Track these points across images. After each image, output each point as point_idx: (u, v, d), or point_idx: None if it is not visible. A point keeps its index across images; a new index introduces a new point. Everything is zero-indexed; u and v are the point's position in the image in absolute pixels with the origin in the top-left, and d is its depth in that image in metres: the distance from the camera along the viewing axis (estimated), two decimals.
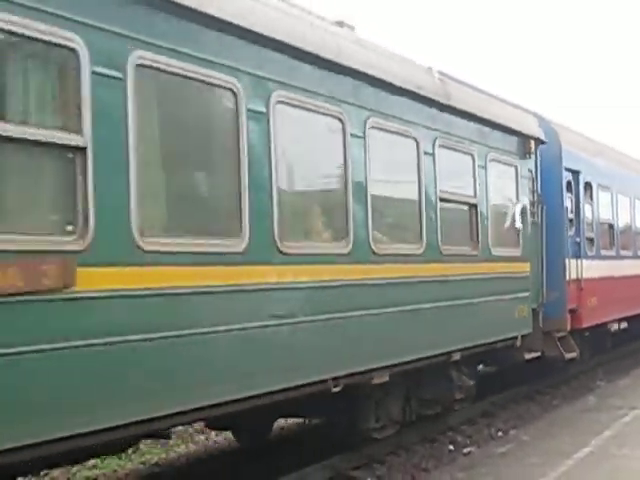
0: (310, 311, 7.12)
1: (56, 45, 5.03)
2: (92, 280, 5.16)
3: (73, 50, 5.11)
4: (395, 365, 8.57)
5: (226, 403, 6.28)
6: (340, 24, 9.02)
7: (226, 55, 6.37)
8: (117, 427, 5.39)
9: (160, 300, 5.62)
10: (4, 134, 4.71)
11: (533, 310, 12.10)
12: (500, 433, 11.35)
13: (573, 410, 12.61)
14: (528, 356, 12.22)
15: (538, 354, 12.49)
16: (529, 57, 62.10)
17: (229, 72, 6.37)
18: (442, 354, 9.50)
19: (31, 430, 4.82)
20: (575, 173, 13.98)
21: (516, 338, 11.43)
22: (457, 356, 9.83)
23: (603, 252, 15.23)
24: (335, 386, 7.62)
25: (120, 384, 5.40)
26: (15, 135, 4.78)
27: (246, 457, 9.84)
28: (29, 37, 4.86)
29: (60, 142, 5.03)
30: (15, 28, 4.75)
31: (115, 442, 5.76)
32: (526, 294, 11.67)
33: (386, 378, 8.51)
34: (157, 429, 6.03)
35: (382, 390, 8.98)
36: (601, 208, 15.28)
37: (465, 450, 10.38)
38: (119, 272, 5.35)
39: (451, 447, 10.52)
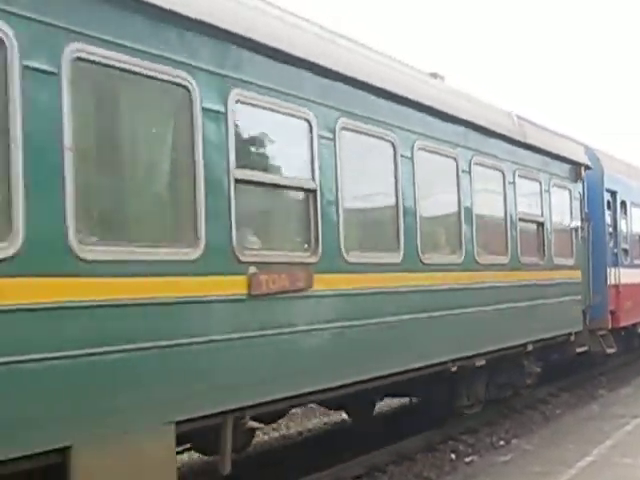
0: (441, 307, 9.29)
1: None
2: (318, 282, 7.32)
3: None
4: (489, 352, 10.73)
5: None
6: (434, 75, 11.20)
7: (387, 117, 8.55)
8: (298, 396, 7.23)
9: (363, 298, 7.80)
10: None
11: (582, 311, 14.29)
12: (502, 442, 11.40)
13: (576, 419, 12.61)
14: (578, 350, 14.39)
15: (586, 348, 14.65)
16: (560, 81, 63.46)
17: (388, 129, 8.53)
18: (520, 345, 11.67)
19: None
20: (613, 193, 16.21)
21: (570, 334, 13.61)
22: (530, 347, 12.00)
23: (636, 261, 17.46)
24: (452, 367, 9.80)
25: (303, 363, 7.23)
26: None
27: (355, 433, 11.81)
28: None
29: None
30: None
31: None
32: (578, 297, 13.85)
33: (483, 362, 10.67)
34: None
35: (472, 374, 11.12)
36: (634, 222, 17.51)
37: (467, 459, 10.46)
38: (334, 278, 7.51)
39: (453, 456, 10.60)
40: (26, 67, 4.88)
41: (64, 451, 5.03)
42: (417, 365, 9.03)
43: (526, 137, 11.80)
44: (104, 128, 5.70)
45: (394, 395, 12.18)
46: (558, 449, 10.17)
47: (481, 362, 10.60)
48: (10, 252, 4.74)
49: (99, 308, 5.24)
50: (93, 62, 5.33)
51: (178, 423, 5.82)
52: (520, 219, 11.65)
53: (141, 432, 5.51)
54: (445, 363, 9.64)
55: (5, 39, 4.74)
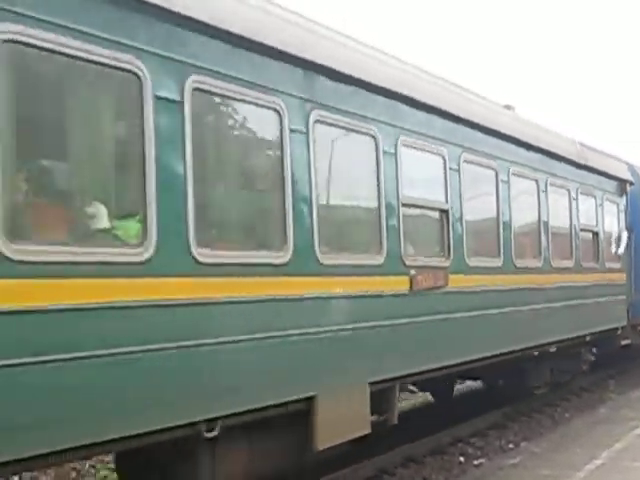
0: (527, 302, 11.45)
1: None
2: (451, 281, 9.47)
3: None
4: (559, 341, 12.87)
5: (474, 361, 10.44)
6: (508, 107, 13.36)
7: (493, 150, 10.72)
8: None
9: (479, 294, 9.98)
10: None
11: (626, 309, 16.45)
12: (511, 445, 11.54)
13: (584, 422, 12.67)
14: (622, 342, 16.54)
15: (629, 341, 16.80)
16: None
17: (491, 159, 10.70)
18: (581, 336, 13.82)
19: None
20: None
21: (617, 328, 15.76)
22: (588, 338, 14.15)
23: None
24: (535, 352, 11.96)
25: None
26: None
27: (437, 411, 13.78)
28: None
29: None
30: None
31: None
32: (624, 296, 16.01)
33: (554, 349, 12.82)
34: None
35: (540, 360, 13.24)
36: None
37: (475, 462, 10.56)
38: (460, 278, 9.66)
39: (461, 459, 10.71)
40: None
41: (310, 400, 7.18)
42: (520, 347, 11.21)
43: (587, 160, 13.99)
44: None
45: (470, 378, 14.27)
46: (567, 452, 10.25)
47: (553, 349, 12.76)
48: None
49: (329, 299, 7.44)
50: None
51: (370, 384, 8.00)
52: (581, 229, 13.83)
53: (354, 387, 7.69)
54: (531, 348, 11.80)
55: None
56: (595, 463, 9.49)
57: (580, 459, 9.70)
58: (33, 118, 5.22)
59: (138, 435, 5.55)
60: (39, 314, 4.89)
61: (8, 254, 4.77)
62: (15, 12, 4.88)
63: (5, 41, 4.86)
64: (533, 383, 13.54)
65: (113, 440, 5.38)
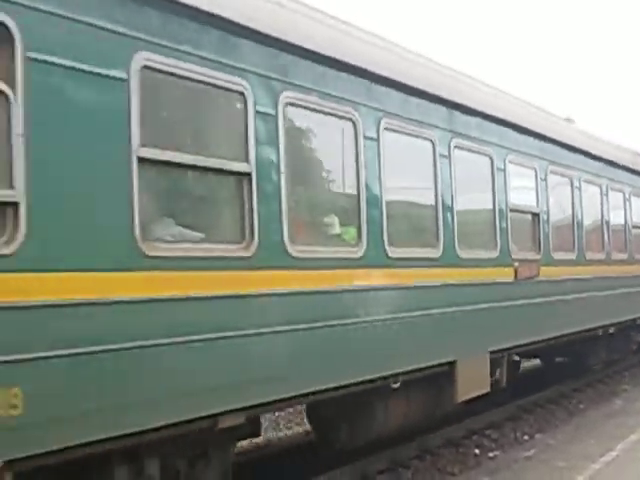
0: (596, 289, 13.54)
1: None
2: (542, 271, 11.56)
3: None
4: (617, 323, 14.95)
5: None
6: (568, 120, 15.44)
7: (570, 162, 12.80)
8: None
9: (560, 283, 12.09)
10: None
11: None
12: (526, 437, 11.59)
13: (599, 414, 12.82)
14: None
15: None
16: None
17: (570, 170, 12.79)
18: (632, 319, 15.91)
19: None
20: None
21: None
22: (638, 321, 16.24)
23: None
24: (599, 331, 14.05)
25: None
26: None
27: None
28: None
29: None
30: None
31: None
32: None
33: (612, 330, 14.90)
34: None
35: (597, 340, 15.31)
36: None
37: (490, 454, 10.64)
38: (547, 269, 11.73)
39: (477, 451, 10.78)
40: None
41: (452, 364, 9.29)
42: (589, 327, 13.29)
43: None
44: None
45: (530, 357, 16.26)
46: (582, 444, 10.36)
47: (612, 330, 14.85)
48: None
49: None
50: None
51: (490, 353, 10.12)
52: (634, 226, 15.92)
53: (480, 355, 9.82)
54: (596, 329, 13.89)
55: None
56: (610, 455, 9.63)
57: (595, 451, 9.84)
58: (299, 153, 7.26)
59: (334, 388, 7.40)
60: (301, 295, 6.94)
61: (295, 254, 6.85)
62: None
63: (288, 104, 6.95)
64: (591, 361, 15.64)
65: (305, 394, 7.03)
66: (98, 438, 5.13)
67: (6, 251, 4.74)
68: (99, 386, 5.16)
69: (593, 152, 13.85)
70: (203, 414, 5.97)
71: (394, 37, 8.94)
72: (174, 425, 5.74)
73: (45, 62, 5.00)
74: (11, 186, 4.79)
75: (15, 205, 4.79)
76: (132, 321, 5.40)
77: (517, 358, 11.25)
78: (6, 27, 4.81)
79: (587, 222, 13.61)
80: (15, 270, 4.77)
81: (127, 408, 5.35)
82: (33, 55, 4.93)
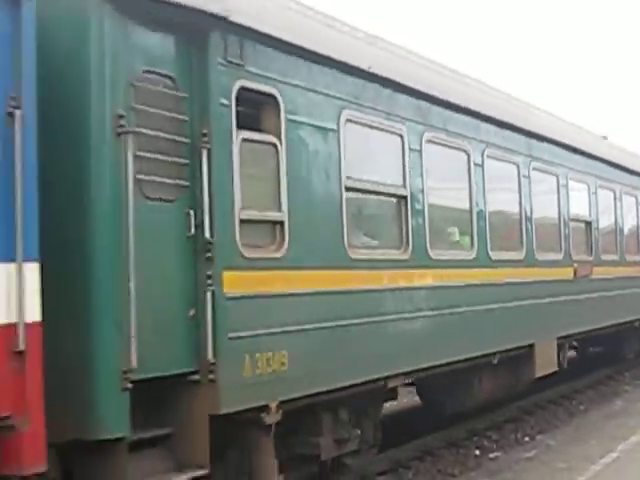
0: (633, 286, 15.64)
1: None
2: (594, 271, 13.67)
3: None
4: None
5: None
6: (604, 137, 17.55)
7: (611, 176, 14.92)
8: None
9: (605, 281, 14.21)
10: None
11: None
12: (526, 438, 11.57)
13: (600, 415, 12.85)
14: None
15: None
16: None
17: (611, 183, 14.88)
18: None
19: None
20: None
21: None
22: None
23: None
24: (636, 323, 16.13)
25: None
26: None
27: None
28: None
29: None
30: None
31: None
32: None
33: (638, 324, 16.95)
34: None
35: (629, 332, 17.35)
36: None
37: (491, 455, 10.62)
38: (599, 269, 13.84)
39: (477, 452, 10.77)
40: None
41: (531, 346, 11.36)
42: (629, 319, 15.39)
43: None
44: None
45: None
46: (582, 445, 10.36)
47: (636, 324, 16.90)
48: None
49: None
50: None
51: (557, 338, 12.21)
52: None
53: (551, 339, 11.93)
54: (633, 321, 15.98)
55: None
56: (611, 456, 9.65)
57: (596, 452, 9.87)
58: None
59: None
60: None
61: (433, 257, 8.99)
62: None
63: (428, 141, 9.08)
64: (626, 351, 17.75)
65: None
66: (332, 387, 7.20)
67: (277, 255, 6.82)
68: (330, 352, 7.26)
69: (631, 167, 16.00)
70: (378, 376, 8.05)
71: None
72: (363, 384, 7.81)
73: (296, 121, 7.08)
74: (280, 210, 6.86)
75: (282, 223, 6.86)
76: (349, 305, 7.51)
77: (575, 344, 13.33)
78: (274, 98, 6.89)
79: (627, 227, 15.79)
80: (283, 268, 6.84)
81: (350, 367, 7.47)
82: (290, 117, 7.01)
